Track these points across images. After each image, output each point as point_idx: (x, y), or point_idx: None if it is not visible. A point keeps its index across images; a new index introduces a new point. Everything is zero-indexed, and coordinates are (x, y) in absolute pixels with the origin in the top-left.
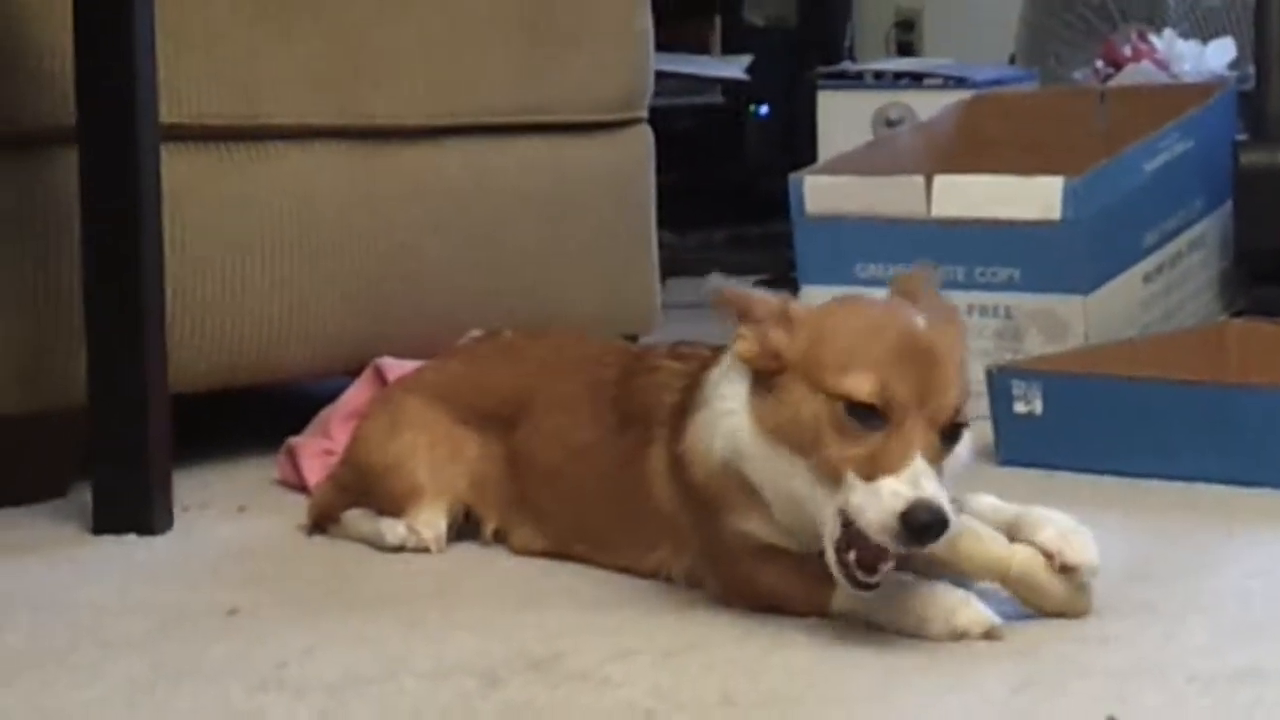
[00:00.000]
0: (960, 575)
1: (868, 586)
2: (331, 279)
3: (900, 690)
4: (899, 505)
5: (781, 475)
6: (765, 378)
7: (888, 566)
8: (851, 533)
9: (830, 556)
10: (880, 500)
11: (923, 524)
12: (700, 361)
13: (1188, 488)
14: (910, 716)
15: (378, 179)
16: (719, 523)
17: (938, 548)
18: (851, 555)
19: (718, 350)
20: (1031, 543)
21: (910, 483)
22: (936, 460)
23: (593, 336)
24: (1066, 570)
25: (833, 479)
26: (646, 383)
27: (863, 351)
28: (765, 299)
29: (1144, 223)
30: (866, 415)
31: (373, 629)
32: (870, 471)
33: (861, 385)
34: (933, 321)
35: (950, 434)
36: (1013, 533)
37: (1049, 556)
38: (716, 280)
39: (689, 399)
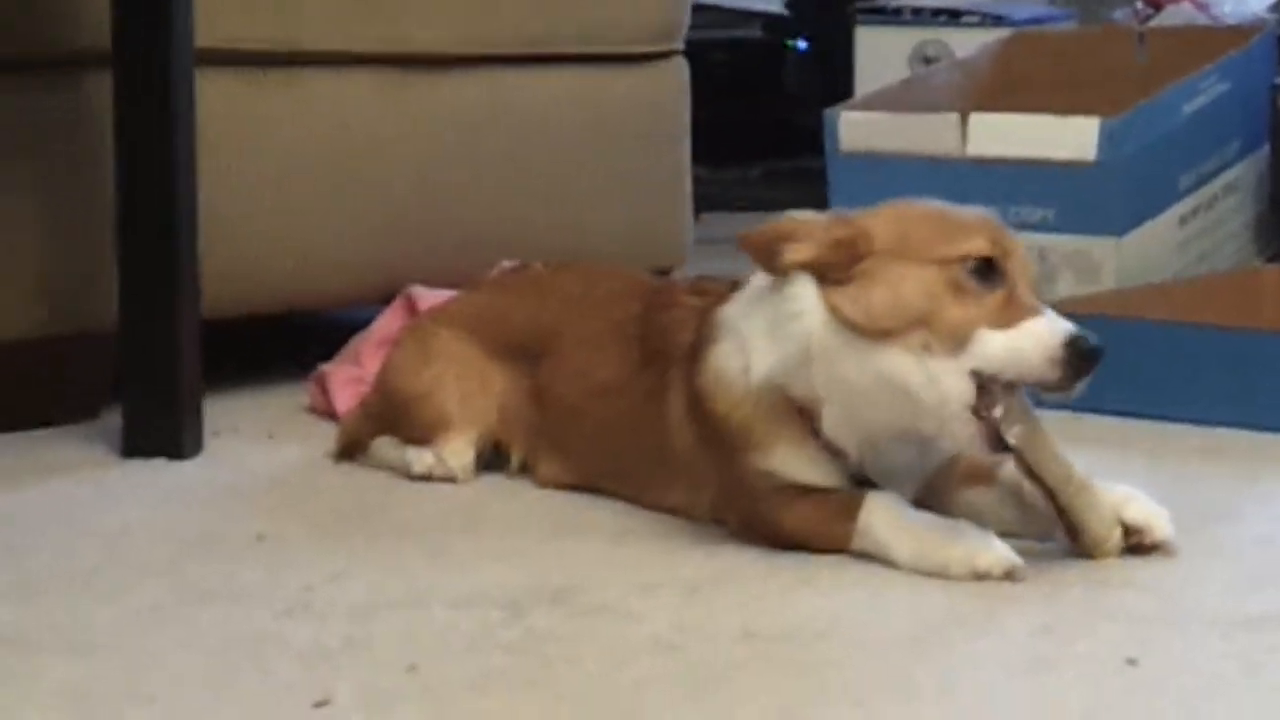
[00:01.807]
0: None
1: (1008, 448)
2: (363, 207)
3: (921, 629)
4: (1062, 336)
5: (868, 366)
6: (840, 272)
7: (1018, 430)
8: (988, 393)
9: (964, 422)
10: (1039, 336)
11: (1090, 349)
12: (716, 297)
13: (1215, 433)
14: (931, 656)
15: (411, 108)
16: (738, 462)
17: (1029, 430)
18: (998, 411)
19: (734, 285)
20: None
21: (1056, 318)
22: None
23: (619, 270)
24: (1150, 548)
25: (959, 341)
26: (665, 320)
27: (962, 221)
28: (808, 215)
29: (1180, 165)
30: (986, 273)
31: (398, 557)
32: (1007, 320)
33: (980, 243)
34: None
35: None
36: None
37: (1131, 533)
38: (739, 231)
39: (700, 337)
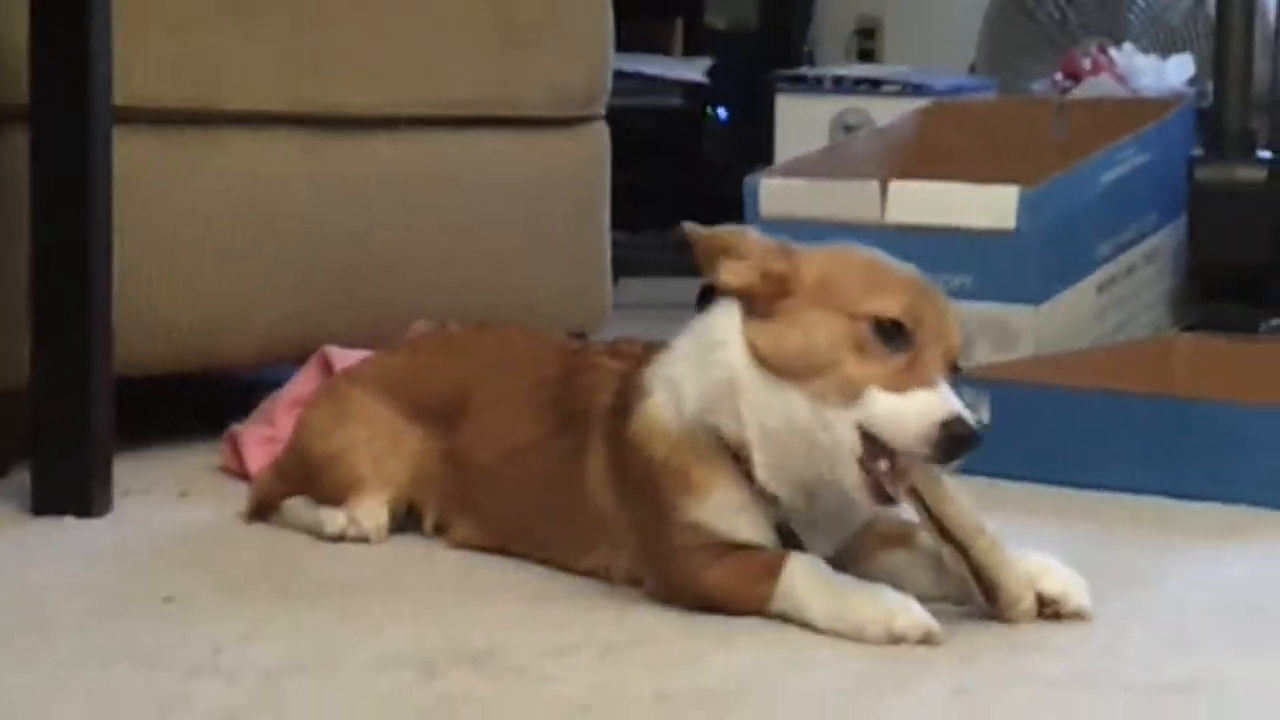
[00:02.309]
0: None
1: (891, 500)
2: (281, 267)
3: (837, 693)
4: (939, 414)
5: (777, 404)
6: (763, 305)
7: (906, 484)
8: (876, 447)
9: (851, 471)
10: (919, 409)
11: (962, 435)
12: (635, 360)
13: (1131, 500)
14: (848, 718)
15: (331, 168)
16: (666, 516)
17: (934, 484)
18: (883, 464)
19: (651, 348)
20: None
21: (944, 397)
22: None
23: (535, 332)
24: (1066, 615)
25: (850, 395)
26: (584, 382)
27: (887, 278)
28: (756, 236)
29: (1098, 234)
30: (892, 335)
31: (310, 617)
32: (899, 385)
33: (891, 305)
34: None
35: (952, 375)
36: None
37: (1048, 603)
38: (690, 225)
39: (624, 397)
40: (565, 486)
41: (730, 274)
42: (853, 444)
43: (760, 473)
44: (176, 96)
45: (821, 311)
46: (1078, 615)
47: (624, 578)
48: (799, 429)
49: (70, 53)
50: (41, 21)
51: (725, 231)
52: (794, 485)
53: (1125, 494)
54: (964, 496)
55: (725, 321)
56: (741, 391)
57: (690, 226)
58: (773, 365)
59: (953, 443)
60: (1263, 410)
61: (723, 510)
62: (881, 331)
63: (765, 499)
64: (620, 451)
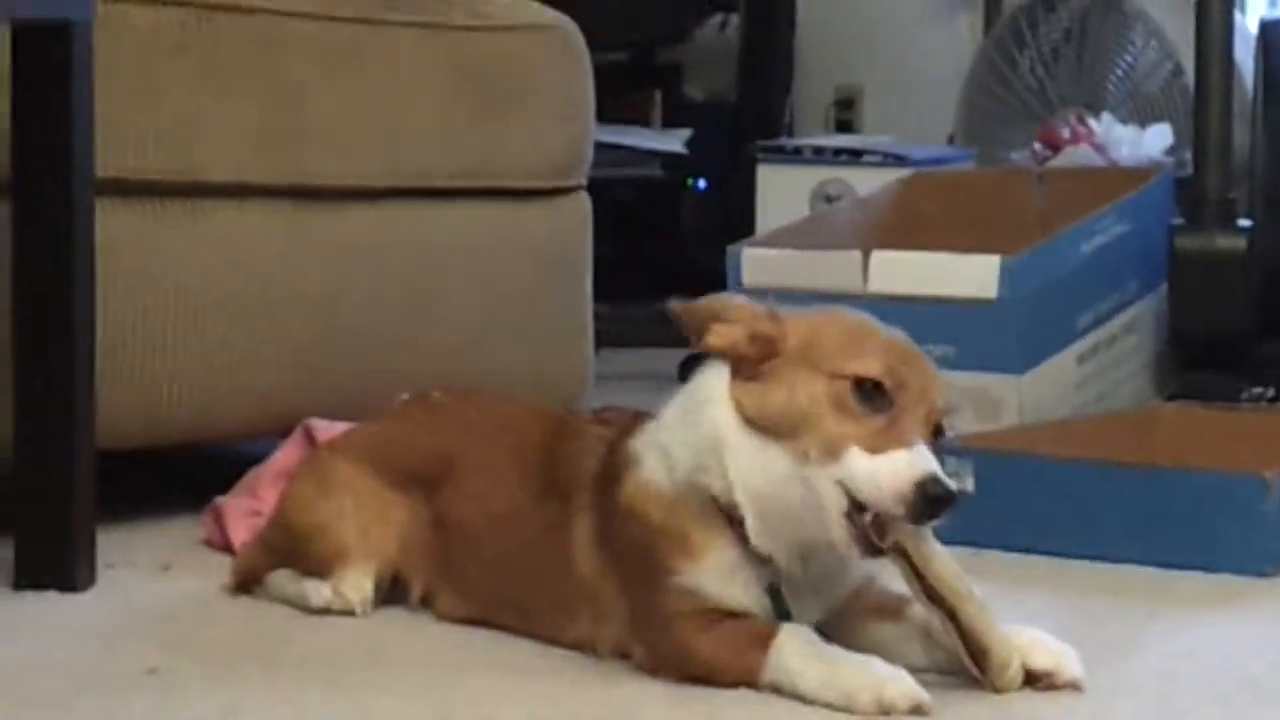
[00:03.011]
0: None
1: (879, 552)
2: (264, 339)
3: None
4: (915, 475)
5: (762, 462)
6: (749, 367)
7: (892, 539)
8: (858, 503)
9: (837, 525)
10: (895, 469)
11: (938, 495)
12: (621, 427)
13: (1116, 569)
14: None
15: (314, 239)
16: (659, 582)
17: (921, 543)
18: (868, 517)
19: (638, 416)
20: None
21: (922, 457)
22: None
23: (520, 400)
24: (1060, 685)
25: (830, 454)
26: (569, 449)
27: (870, 341)
28: (743, 301)
29: (1079, 304)
30: (872, 396)
31: (295, 691)
32: (878, 445)
33: (872, 366)
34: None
35: (935, 438)
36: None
37: (1041, 677)
38: (676, 301)
39: (612, 464)
40: (549, 555)
41: (717, 337)
42: (836, 499)
43: (753, 534)
44: (157, 168)
45: (805, 372)
46: (1073, 687)
47: (611, 650)
48: (784, 487)
49: (52, 125)
50: (23, 94)
51: (712, 300)
52: (786, 545)
53: (1110, 564)
54: (951, 560)
55: (713, 381)
56: (728, 450)
57: (676, 303)
58: (758, 424)
59: (928, 503)
60: (1246, 479)
61: (718, 573)
62: (862, 392)
63: (759, 560)
64: (609, 519)
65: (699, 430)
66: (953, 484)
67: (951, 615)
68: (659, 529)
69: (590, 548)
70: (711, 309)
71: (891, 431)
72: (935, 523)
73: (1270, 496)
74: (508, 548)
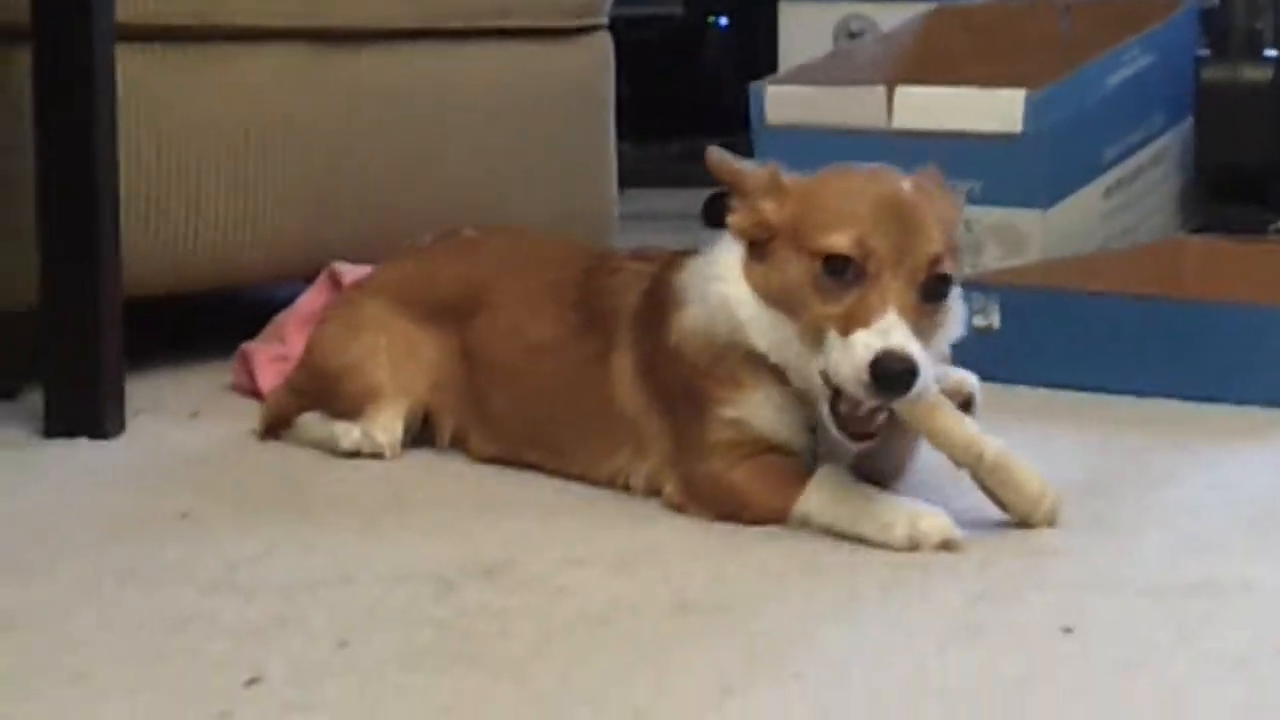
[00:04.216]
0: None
1: (867, 436)
2: (286, 182)
3: (856, 599)
4: (868, 356)
5: (781, 337)
6: (759, 247)
7: (882, 417)
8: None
9: (825, 415)
10: (852, 353)
11: (892, 373)
12: (662, 263)
13: (1143, 403)
14: (867, 625)
15: (333, 82)
16: (705, 412)
17: (915, 409)
18: (844, 406)
19: (679, 253)
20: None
21: (880, 334)
22: (915, 316)
23: (551, 235)
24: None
25: (815, 339)
26: (610, 284)
27: (843, 210)
28: (756, 171)
29: (1105, 137)
30: (843, 271)
31: (325, 534)
32: (846, 326)
33: (839, 240)
34: (920, 185)
35: (933, 290)
36: None
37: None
38: (713, 150)
39: (660, 298)
40: (589, 389)
41: (734, 217)
42: (822, 388)
43: (796, 380)
44: (177, 12)
45: (793, 251)
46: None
47: (643, 486)
48: (800, 360)
49: None
50: None
51: (731, 167)
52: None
53: (1136, 397)
54: (956, 420)
55: (724, 259)
56: (749, 325)
57: (710, 152)
58: (769, 303)
59: (882, 384)
60: (1272, 311)
61: (765, 406)
62: (831, 268)
63: (802, 401)
64: (655, 355)
65: (709, 302)
66: (914, 354)
67: (971, 473)
68: (708, 368)
69: (632, 381)
70: (732, 175)
71: (860, 306)
72: (901, 399)
73: None
74: (544, 381)
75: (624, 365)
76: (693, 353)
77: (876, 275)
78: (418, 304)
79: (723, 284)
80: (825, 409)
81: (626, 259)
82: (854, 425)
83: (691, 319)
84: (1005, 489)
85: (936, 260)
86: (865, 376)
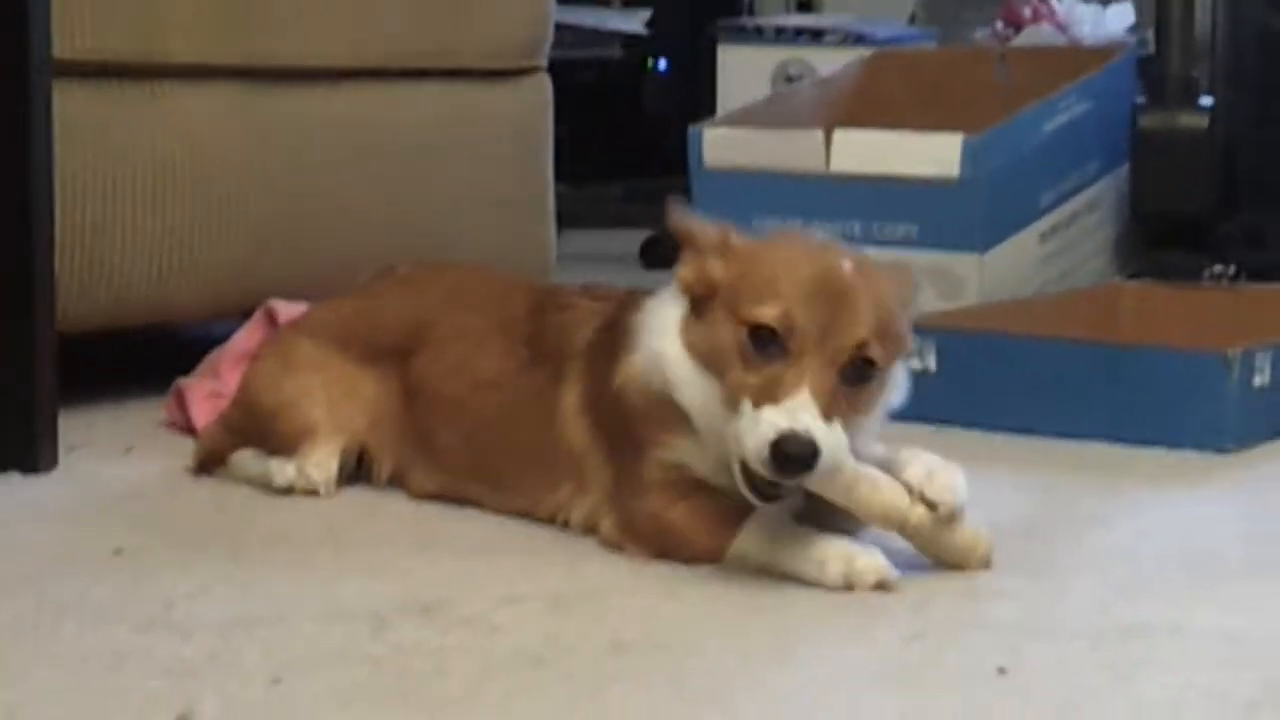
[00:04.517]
0: (858, 523)
1: (775, 498)
2: (224, 221)
3: (792, 639)
4: (770, 435)
5: (707, 400)
6: (700, 305)
7: (791, 482)
8: None
9: (737, 474)
10: (758, 428)
11: (790, 455)
12: (617, 301)
13: (1078, 446)
14: (802, 664)
15: (274, 121)
16: (639, 453)
17: (830, 484)
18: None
19: (632, 292)
20: (898, 480)
21: (787, 413)
22: (831, 397)
23: (495, 271)
24: (929, 505)
25: (732, 405)
26: (561, 320)
27: (776, 281)
28: (708, 228)
29: (1041, 182)
30: (767, 343)
31: (261, 571)
32: (759, 399)
33: (766, 311)
34: (862, 267)
35: (855, 374)
36: (886, 469)
37: (913, 493)
38: (674, 204)
39: (613, 339)
40: (534, 423)
41: (682, 270)
42: (734, 448)
43: (707, 446)
44: (115, 49)
45: (725, 315)
46: (941, 507)
47: (581, 522)
48: (719, 422)
49: (8, 4)
50: None
51: (685, 222)
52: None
53: (1071, 440)
54: (870, 490)
55: (664, 312)
56: (678, 384)
57: (669, 208)
58: (700, 365)
59: (780, 464)
60: (1207, 356)
61: (702, 453)
62: (757, 339)
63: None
64: (601, 388)
65: (651, 359)
66: (817, 437)
67: (900, 531)
68: (645, 412)
69: (579, 418)
70: (684, 230)
71: (774, 381)
72: (801, 479)
73: (1231, 374)
74: (488, 414)
75: (570, 400)
76: (633, 395)
77: (798, 352)
78: (356, 342)
79: (657, 338)
80: (737, 468)
81: (577, 295)
82: (763, 485)
83: (639, 361)
84: (933, 547)
85: (862, 345)
86: (765, 454)
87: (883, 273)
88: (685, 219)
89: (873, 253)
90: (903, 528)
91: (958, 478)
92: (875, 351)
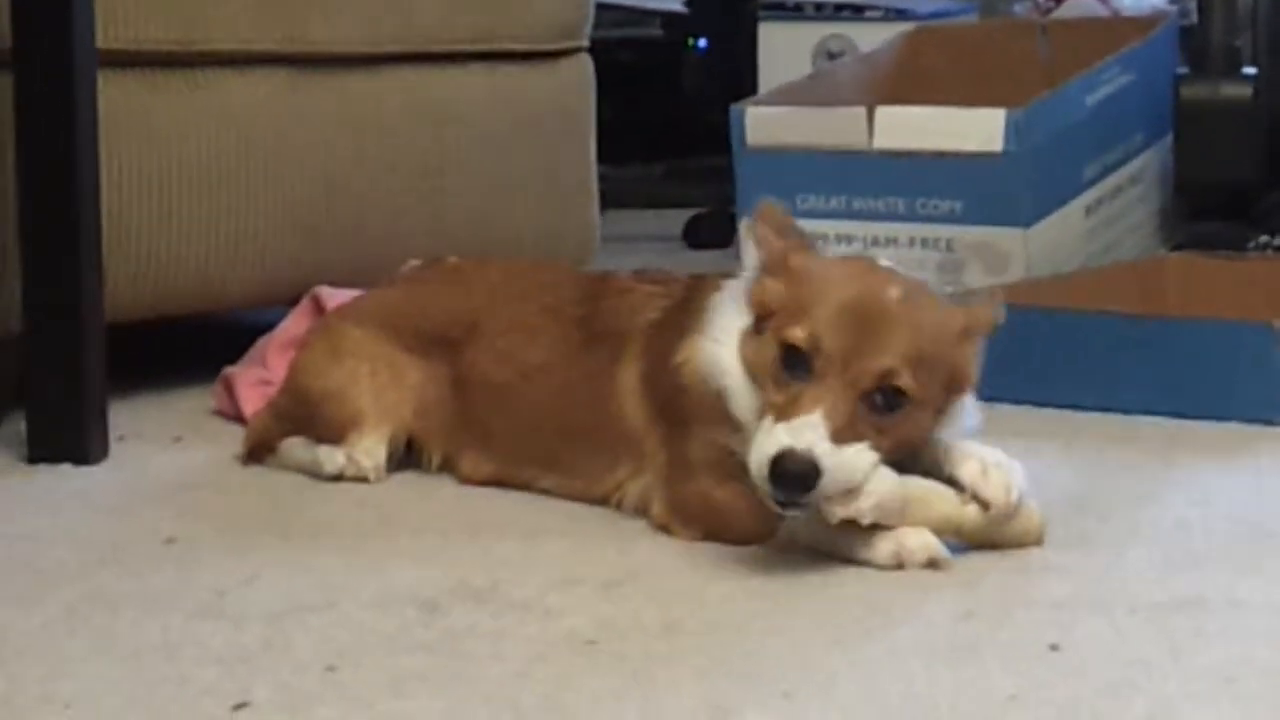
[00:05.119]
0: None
1: (797, 506)
2: (269, 208)
3: (844, 619)
4: (772, 450)
5: (756, 412)
6: (759, 321)
7: (792, 499)
8: None
9: (760, 486)
10: (762, 444)
11: (787, 473)
12: (682, 285)
13: (1127, 420)
14: (854, 645)
15: (317, 107)
16: (693, 432)
17: (884, 514)
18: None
19: (701, 277)
20: (954, 476)
21: (793, 431)
22: (847, 420)
23: (542, 262)
24: (983, 505)
25: (761, 420)
26: (619, 303)
27: (813, 303)
28: (774, 245)
29: (1085, 156)
30: (797, 363)
31: (312, 558)
32: (778, 416)
33: (797, 331)
34: (909, 296)
35: (882, 402)
36: (941, 463)
37: (966, 490)
38: (764, 203)
39: (681, 319)
40: (591, 402)
41: (753, 288)
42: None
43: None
44: (160, 37)
45: (771, 334)
46: (995, 506)
47: (634, 504)
48: None
49: None
50: None
51: (764, 232)
52: None
53: (1120, 414)
54: (923, 512)
55: (726, 324)
56: (732, 392)
57: (756, 209)
58: (750, 378)
59: (777, 481)
60: (1255, 327)
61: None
62: (787, 358)
63: None
64: (659, 365)
65: (712, 363)
66: (818, 457)
67: (957, 537)
68: (695, 398)
69: (637, 394)
70: (761, 241)
71: (792, 400)
72: (799, 498)
73: (1278, 344)
74: (543, 398)
75: (629, 379)
76: (691, 379)
77: (821, 374)
78: (404, 331)
79: (717, 346)
80: (759, 484)
81: (633, 280)
82: (780, 503)
83: (699, 350)
84: (988, 542)
85: (887, 374)
86: (765, 470)
87: (937, 304)
88: (766, 230)
89: (918, 231)
90: (957, 533)
91: (1014, 475)
92: (905, 381)
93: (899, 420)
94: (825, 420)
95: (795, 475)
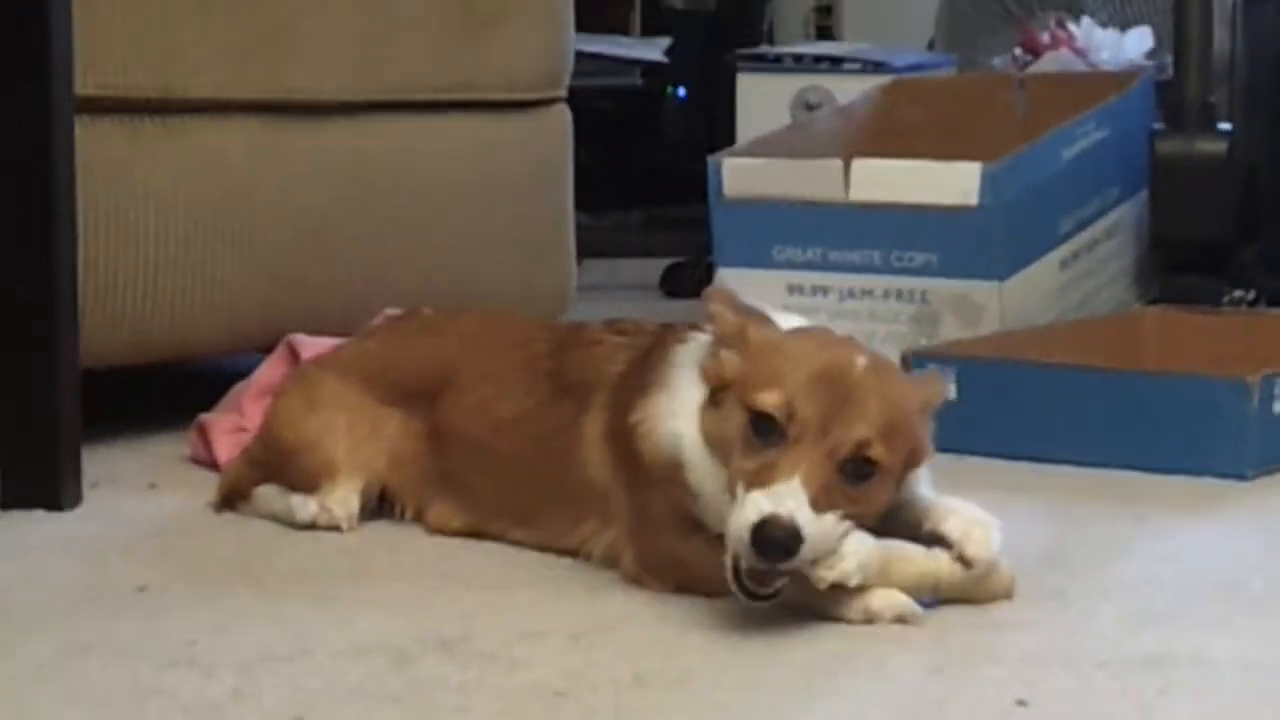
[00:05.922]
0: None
1: (757, 597)
2: (246, 255)
3: (812, 672)
4: (753, 517)
5: (716, 488)
6: (717, 394)
7: (781, 581)
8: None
9: (727, 570)
10: (742, 511)
11: (770, 540)
12: (649, 336)
13: (1100, 474)
14: (824, 698)
15: (293, 155)
16: (654, 490)
17: (867, 575)
18: (742, 564)
19: (666, 327)
20: (936, 531)
21: (773, 498)
22: (827, 491)
23: (515, 314)
24: (965, 562)
25: (732, 493)
26: (587, 355)
27: (783, 370)
28: (729, 319)
29: (1061, 209)
30: (768, 430)
31: (283, 607)
32: (751, 484)
33: (768, 398)
34: (877, 366)
35: (855, 471)
36: (922, 521)
37: (949, 547)
38: (719, 281)
39: (643, 372)
40: (559, 455)
41: (707, 361)
42: (729, 544)
43: (717, 522)
44: (138, 85)
45: (735, 402)
46: (977, 564)
47: (602, 557)
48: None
49: (30, 42)
50: (1, 8)
51: (717, 308)
52: None
53: (1093, 468)
54: (900, 573)
55: (684, 398)
56: (690, 465)
57: (713, 293)
58: (712, 452)
59: (759, 549)
60: (1228, 382)
61: (709, 509)
62: (757, 426)
63: None
64: (623, 417)
65: (671, 439)
66: (800, 524)
67: (934, 594)
68: (650, 459)
69: (602, 446)
70: (715, 316)
71: (768, 467)
72: (781, 564)
73: (1251, 401)
74: (512, 453)
75: (594, 431)
76: (645, 445)
77: (796, 441)
78: (379, 382)
79: (675, 421)
80: (728, 563)
81: (603, 331)
82: (751, 584)
83: (658, 404)
84: (963, 597)
85: (863, 444)
86: (746, 537)
87: (901, 376)
88: (720, 308)
89: (893, 283)
90: (935, 589)
91: (992, 532)
92: (877, 451)
93: (865, 490)
94: (805, 487)
95: (778, 542)
